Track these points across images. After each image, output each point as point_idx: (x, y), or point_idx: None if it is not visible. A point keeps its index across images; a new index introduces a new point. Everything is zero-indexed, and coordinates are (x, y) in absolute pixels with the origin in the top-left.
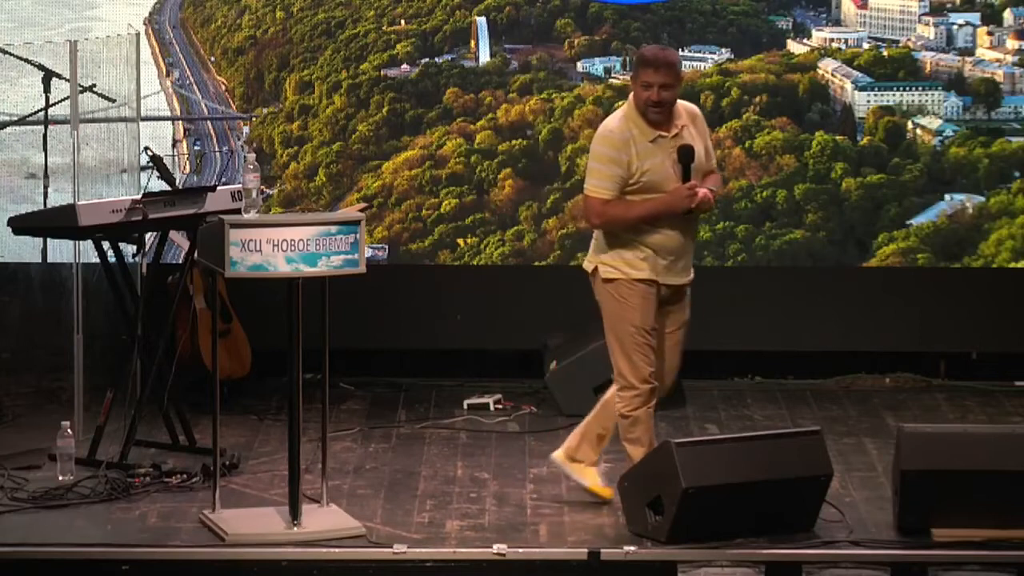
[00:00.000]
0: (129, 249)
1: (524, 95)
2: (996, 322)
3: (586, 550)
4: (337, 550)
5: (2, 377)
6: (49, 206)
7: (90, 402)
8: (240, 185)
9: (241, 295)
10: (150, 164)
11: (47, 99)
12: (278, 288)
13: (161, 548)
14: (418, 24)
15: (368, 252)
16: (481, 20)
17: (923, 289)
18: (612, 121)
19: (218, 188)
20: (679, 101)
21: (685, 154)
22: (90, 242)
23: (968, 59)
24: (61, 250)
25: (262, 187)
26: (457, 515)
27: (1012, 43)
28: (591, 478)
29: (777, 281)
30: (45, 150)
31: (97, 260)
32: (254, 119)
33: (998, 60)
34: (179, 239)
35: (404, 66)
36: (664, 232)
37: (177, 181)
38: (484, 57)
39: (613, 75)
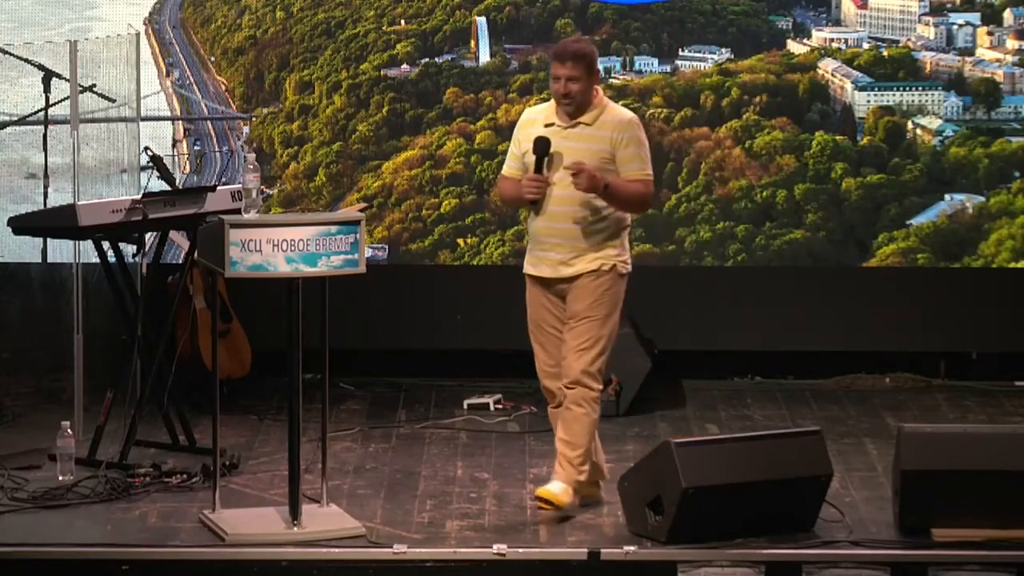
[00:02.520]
0: (129, 249)
1: (524, 95)
2: (996, 322)
3: (586, 550)
4: (337, 550)
5: (2, 377)
6: (49, 206)
7: (90, 402)
8: (240, 185)
9: (241, 295)
10: (150, 164)
11: (47, 99)
12: (278, 288)
13: (161, 548)
14: (418, 24)
15: (368, 252)
16: (481, 20)
17: (923, 289)
18: (537, 104)
19: (218, 188)
20: (617, 107)
21: (536, 145)
22: (90, 242)
23: (968, 59)
24: (61, 250)
25: (262, 187)
26: (457, 515)
27: (1012, 43)
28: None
29: (777, 281)
30: (45, 150)
31: (97, 260)
32: (254, 119)
33: (998, 60)
34: (179, 239)
35: (404, 66)
36: (538, 221)
37: (177, 181)
38: (484, 57)
39: (613, 75)
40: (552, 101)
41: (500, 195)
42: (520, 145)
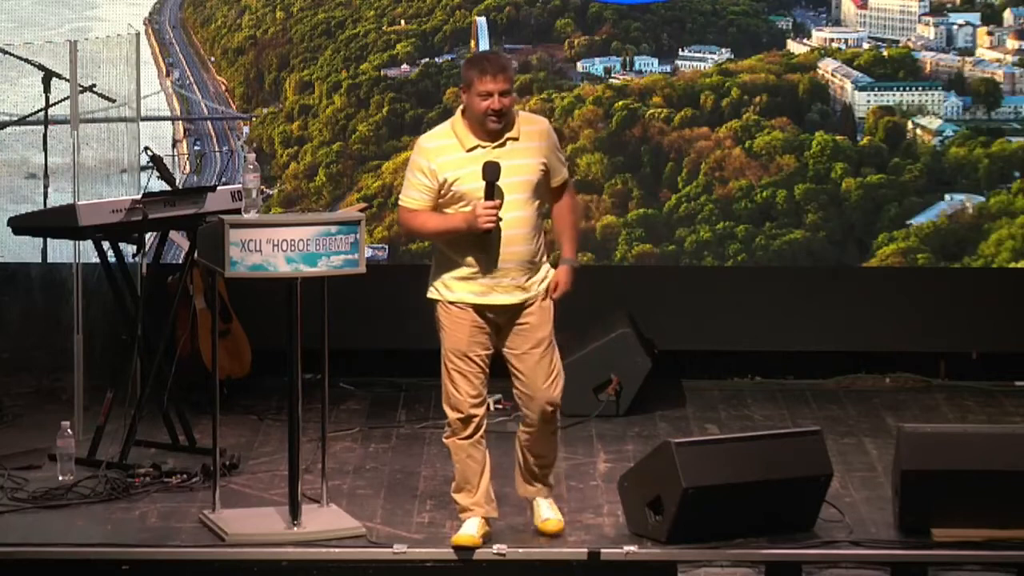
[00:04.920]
0: (129, 249)
1: (524, 95)
2: (996, 322)
3: (586, 550)
4: (337, 550)
5: (2, 377)
6: (49, 206)
7: (90, 402)
8: (240, 185)
9: (241, 295)
10: (150, 164)
11: (47, 99)
12: (278, 288)
13: (161, 548)
14: (418, 24)
15: (368, 252)
16: (481, 20)
17: (923, 289)
18: (432, 130)
19: (218, 188)
20: (527, 114)
21: (488, 171)
22: (90, 242)
23: (968, 59)
24: (61, 250)
25: (262, 187)
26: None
27: (1012, 43)
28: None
29: (777, 281)
30: (45, 150)
31: (97, 260)
32: (254, 119)
33: (998, 60)
34: (179, 239)
35: (404, 66)
36: (477, 250)
37: (177, 181)
38: None
39: (613, 75)
40: (449, 124)
41: (417, 229)
42: (436, 176)
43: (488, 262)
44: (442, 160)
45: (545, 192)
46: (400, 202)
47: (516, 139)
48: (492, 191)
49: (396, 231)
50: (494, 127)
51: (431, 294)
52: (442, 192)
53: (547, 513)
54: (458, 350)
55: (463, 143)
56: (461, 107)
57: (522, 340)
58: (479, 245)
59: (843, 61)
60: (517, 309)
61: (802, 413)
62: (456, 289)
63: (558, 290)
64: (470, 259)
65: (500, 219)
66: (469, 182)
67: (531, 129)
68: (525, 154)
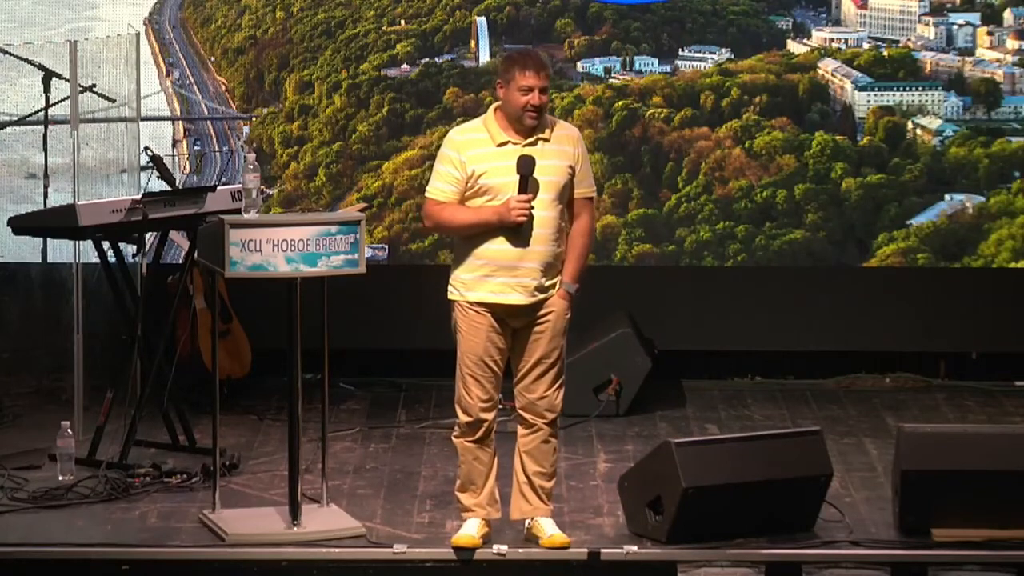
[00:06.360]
0: (129, 249)
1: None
2: (996, 322)
3: (586, 550)
4: (337, 550)
5: (2, 377)
6: (49, 206)
7: (90, 402)
8: (240, 185)
9: (241, 295)
10: (150, 164)
11: (47, 99)
12: (278, 288)
13: (161, 548)
14: (418, 24)
15: (368, 252)
16: (481, 20)
17: (923, 289)
18: (463, 124)
19: (218, 188)
20: (563, 122)
21: (523, 164)
22: (90, 242)
23: (968, 59)
24: (61, 250)
25: (262, 187)
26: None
27: (1012, 43)
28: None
29: (777, 281)
30: (45, 150)
31: (97, 260)
32: (254, 119)
33: (998, 60)
34: (179, 239)
35: (404, 66)
36: (499, 244)
37: (177, 181)
38: (484, 57)
39: (613, 75)
40: (481, 119)
41: (446, 221)
42: (465, 167)
43: (514, 257)
44: (471, 153)
45: (570, 199)
46: (428, 194)
47: (547, 140)
48: (526, 185)
49: (396, 231)
50: (531, 122)
51: (451, 294)
52: (468, 184)
53: (552, 529)
54: (474, 354)
55: (494, 138)
56: (495, 104)
57: (535, 347)
58: (508, 240)
59: (843, 61)
60: (535, 314)
61: (802, 413)
62: (476, 288)
63: (553, 315)
64: (493, 256)
65: (532, 207)
66: (496, 176)
67: (563, 133)
68: (554, 155)
